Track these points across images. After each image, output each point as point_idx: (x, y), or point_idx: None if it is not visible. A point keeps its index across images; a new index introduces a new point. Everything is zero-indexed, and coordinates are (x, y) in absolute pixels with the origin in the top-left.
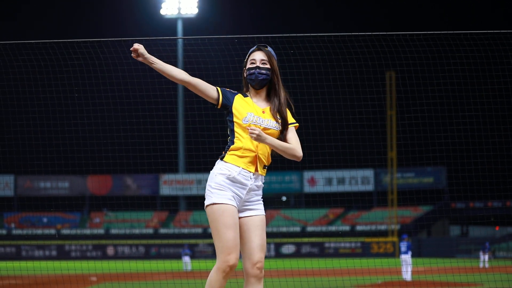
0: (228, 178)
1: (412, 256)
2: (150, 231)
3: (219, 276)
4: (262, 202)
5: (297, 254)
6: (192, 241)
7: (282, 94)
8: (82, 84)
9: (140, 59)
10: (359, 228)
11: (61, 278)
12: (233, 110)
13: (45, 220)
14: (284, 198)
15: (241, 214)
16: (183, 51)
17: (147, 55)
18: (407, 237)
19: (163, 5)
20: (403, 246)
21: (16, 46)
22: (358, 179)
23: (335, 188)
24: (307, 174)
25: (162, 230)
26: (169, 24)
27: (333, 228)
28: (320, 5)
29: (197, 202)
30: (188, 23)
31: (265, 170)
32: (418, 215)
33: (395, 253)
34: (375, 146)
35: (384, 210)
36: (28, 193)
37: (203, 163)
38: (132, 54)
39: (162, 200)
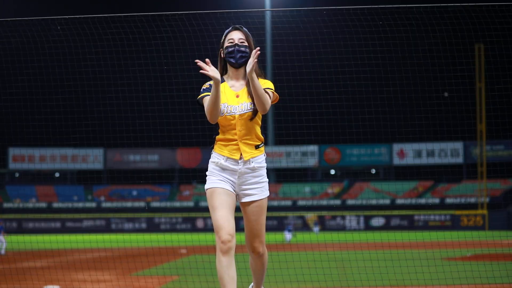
0: (217, 165)
1: (502, 228)
2: None
3: (217, 253)
4: (263, 184)
5: (386, 227)
6: (282, 213)
7: (257, 72)
8: (171, 56)
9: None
10: (448, 200)
11: (151, 251)
12: None
13: (134, 193)
14: (373, 171)
15: (242, 200)
16: (271, 23)
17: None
18: None
19: None
20: None
21: (104, 20)
22: (448, 152)
23: (424, 160)
24: (397, 147)
25: None
26: None
27: (422, 200)
28: None
29: (286, 174)
30: None
31: (260, 149)
32: (508, 188)
33: (484, 226)
34: (465, 118)
35: (474, 183)
36: (117, 166)
37: (292, 135)
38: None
39: None
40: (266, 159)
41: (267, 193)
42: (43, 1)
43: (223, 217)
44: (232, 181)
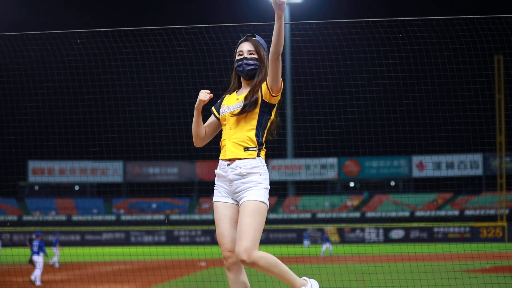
0: (216, 175)
1: None
2: None
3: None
4: (256, 189)
5: (406, 239)
6: (301, 226)
7: (261, 77)
8: (190, 70)
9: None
10: (468, 212)
11: (171, 263)
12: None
13: (154, 205)
14: (392, 183)
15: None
16: (290, 36)
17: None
18: None
19: None
20: None
21: (124, 33)
22: (467, 164)
23: (444, 172)
24: (416, 159)
25: (271, 216)
26: None
27: (442, 212)
28: None
29: (306, 187)
30: (296, 8)
31: (250, 152)
32: None
33: (504, 238)
34: (484, 130)
35: (493, 195)
36: (137, 179)
37: (312, 148)
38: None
39: (271, 185)
40: (268, 171)
41: (259, 198)
42: (63, 15)
43: (221, 234)
44: (226, 189)
